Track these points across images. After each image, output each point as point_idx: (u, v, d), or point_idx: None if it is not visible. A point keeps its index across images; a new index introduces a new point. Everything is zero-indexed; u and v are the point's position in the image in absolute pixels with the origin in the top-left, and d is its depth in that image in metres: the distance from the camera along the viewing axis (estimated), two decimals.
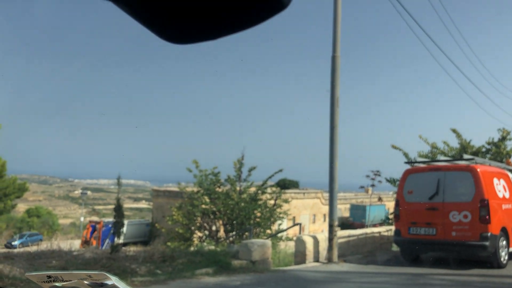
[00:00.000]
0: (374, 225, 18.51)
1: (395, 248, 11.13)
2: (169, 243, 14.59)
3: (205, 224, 15.66)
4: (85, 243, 29.64)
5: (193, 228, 15.63)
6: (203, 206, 15.36)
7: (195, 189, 16.09)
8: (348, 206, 38.29)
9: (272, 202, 16.19)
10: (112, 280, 1.34)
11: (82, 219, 51.61)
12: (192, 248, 11.40)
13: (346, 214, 37.50)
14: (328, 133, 10.40)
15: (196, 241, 15.08)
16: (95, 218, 43.88)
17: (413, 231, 9.67)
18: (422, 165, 10.74)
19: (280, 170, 17.05)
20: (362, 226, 18.43)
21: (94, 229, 32.20)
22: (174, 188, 30.72)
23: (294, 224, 16.86)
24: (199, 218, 15.59)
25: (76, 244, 25.94)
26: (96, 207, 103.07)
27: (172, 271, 7.59)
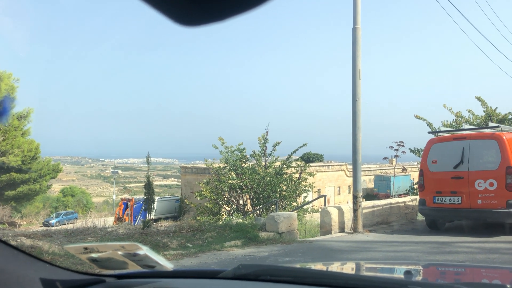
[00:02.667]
0: (399, 196, 18.50)
1: (420, 217, 11.21)
2: (198, 218, 15.01)
3: (233, 199, 16.01)
4: (118, 220, 30.63)
5: (221, 202, 16.01)
6: (230, 181, 15.68)
7: (222, 165, 16.40)
8: (372, 177, 38.20)
9: (297, 175, 16.38)
10: (144, 250, 1.52)
11: (114, 197, 53.13)
12: (220, 222, 11.74)
13: (371, 185, 37.42)
14: (350, 105, 10.43)
15: (224, 215, 15.47)
16: (126, 196, 45.14)
17: (438, 200, 9.72)
18: (446, 135, 10.68)
19: (305, 145, 17.19)
20: (387, 196, 18.46)
21: (126, 206, 33.19)
22: (201, 164, 31.24)
23: (319, 196, 17.04)
24: (226, 193, 15.94)
25: (109, 221, 26.87)
26: (127, 185, 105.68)
27: (202, 244, 7.90)
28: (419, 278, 2.20)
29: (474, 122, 16.11)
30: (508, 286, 1.58)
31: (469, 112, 16.67)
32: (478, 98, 16.92)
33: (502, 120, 16.32)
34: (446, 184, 9.67)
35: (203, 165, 23.08)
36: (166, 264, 1.55)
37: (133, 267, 1.57)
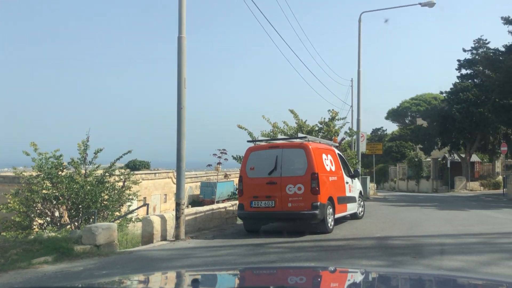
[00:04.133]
0: (223, 201, 19.31)
1: (240, 221, 11.82)
2: (3, 233, 13.30)
3: (47, 210, 14.60)
4: None
5: (32, 215, 14.46)
6: (44, 191, 14.28)
7: (34, 173, 14.85)
8: (199, 183, 39.03)
9: (120, 184, 15.77)
10: None
11: None
12: (32, 237, 10.60)
13: (197, 191, 38.20)
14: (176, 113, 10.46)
15: (36, 228, 14.01)
16: None
17: (255, 205, 10.40)
18: (263, 143, 11.53)
19: (129, 151, 16.64)
20: (212, 202, 19.06)
21: None
22: (9, 173, 27.81)
23: (142, 205, 16.71)
24: (39, 204, 14.46)
25: None
26: None
27: (5, 262, 7.02)
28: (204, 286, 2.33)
29: (288, 133, 17.72)
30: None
31: (284, 123, 18.28)
32: (291, 111, 18.70)
33: (311, 131, 18.30)
34: (261, 189, 10.41)
35: (12, 174, 20.61)
36: None
37: None
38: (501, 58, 27.81)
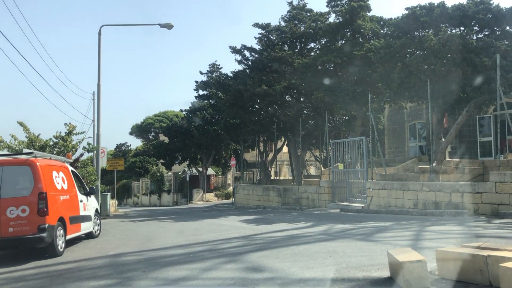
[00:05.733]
0: None
1: None
2: None
3: None
4: None
5: None
6: None
7: None
8: None
9: None
10: None
11: None
12: None
13: None
14: None
15: None
16: None
17: None
18: None
19: None
20: None
21: None
22: None
23: None
24: None
25: None
26: None
27: None
28: None
29: (17, 148, 15.87)
30: None
31: (12, 137, 16.31)
32: (21, 124, 16.85)
33: (45, 146, 16.86)
34: None
35: None
36: None
37: None
38: (230, 82, 31.47)
